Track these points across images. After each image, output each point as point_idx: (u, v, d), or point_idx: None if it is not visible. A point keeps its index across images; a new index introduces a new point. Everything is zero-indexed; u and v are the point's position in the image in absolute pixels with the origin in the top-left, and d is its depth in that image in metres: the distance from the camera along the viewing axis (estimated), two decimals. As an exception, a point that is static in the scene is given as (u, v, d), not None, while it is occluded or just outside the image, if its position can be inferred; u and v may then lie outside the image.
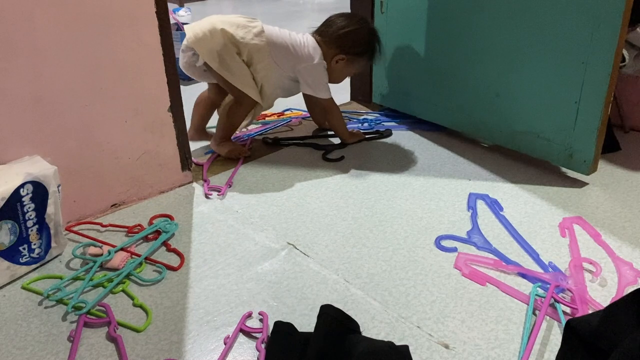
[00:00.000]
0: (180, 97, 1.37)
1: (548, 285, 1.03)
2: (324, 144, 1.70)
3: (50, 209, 1.10)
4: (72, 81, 1.17)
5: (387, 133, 1.76)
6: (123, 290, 1.05)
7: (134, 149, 1.32)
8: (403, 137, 1.75)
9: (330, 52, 1.58)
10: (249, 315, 0.98)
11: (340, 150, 1.66)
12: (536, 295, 1.01)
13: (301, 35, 1.62)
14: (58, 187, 1.12)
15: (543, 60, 1.40)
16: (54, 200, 1.11)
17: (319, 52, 1.57)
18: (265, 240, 1.21)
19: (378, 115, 1.92)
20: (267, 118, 1.97)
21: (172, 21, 2.14)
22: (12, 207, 1.03)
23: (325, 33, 1.59)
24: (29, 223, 1.07)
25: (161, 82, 1.31)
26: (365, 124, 1.83)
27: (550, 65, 1.39)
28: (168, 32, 1.28)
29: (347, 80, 2.05)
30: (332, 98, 1.65)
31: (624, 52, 1.49)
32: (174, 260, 1.15)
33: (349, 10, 1.96)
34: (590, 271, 1.09)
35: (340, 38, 1.57)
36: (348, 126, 1.82)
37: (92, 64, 1.19)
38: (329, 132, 1.79)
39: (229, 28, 1.50)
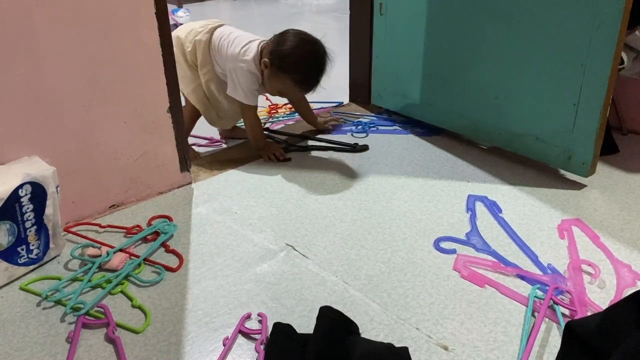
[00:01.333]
0: (180, 98, 1.37)
1: (547, 287, 1.04)
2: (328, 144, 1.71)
3: (48, 210, 1.10)
4: (72, 81, 1.17)
5: (362, 148, 1.67)
6: (122, 292, 1.05)
7: (132, 150, 1.32)
8: (401, 139, 1.75)
9: (266, 55, 1.51)
10: (248, 317, 0.98)
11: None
12: (535, 297, 1.01)
13: (255, 38, 1.57)
14: (57, 187, 1.12)
15: (542, 62, 1.41)
16: (52, 201, 1.10)
17: (251, 56, 1.51)
18: (264, 241, 1.21)
19: (374, 118, 1.91)
20: (278, 111, 2.02)
21: (170, 22, 2.15)
22: (10, 208, 1.03)
23: (273, 39, 1.53)
24: (28, 224, 1.07)
25: (160, 82, 1.31)
26: (360, 127, 1.82)
27: (549, 67, 1.39)
28: (167, 33, 1.28)
29: (346, 81, 2.07)
30: (249, 105, 1.56)
31: (623, 54, 1.49)
32: (172, 261, 1.14)
33: (347, 12, 1.96)
34: (589, 273, 1.09)
35: (275, 44, 1.50)
36: (342, 129, 1.81)
37: (92, 64, 1.19)
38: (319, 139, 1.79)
39: (182, 34, 1.62)
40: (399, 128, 1.82)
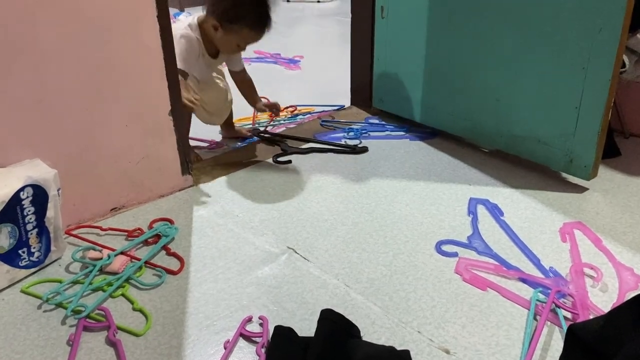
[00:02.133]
0: (181, 101, 1.37)
1: (549, 291, 1.03)
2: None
3: (50, 213, 1.10)
4: (73, 84, 1.17)
5: (362, 149, 1.68)
6: (122, 294, 1.05)
7: (134, 153, 1.32)
8: (403, 142, 1.75)
9: (209, 19, 1.53)
10: (249, 320, 0.98)
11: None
12: (537, 300, 1.01)
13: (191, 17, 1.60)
14: (58, 190, 1.12)
15: (543, 65, 1.41)
16: (54, 203, 1.10)
17: (185, 25, 1.54)
18: (265, 244, 1.21)
19: (365, 124, 1.89)
20: (280, 114, 2.01)
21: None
22: (12, 211, 1.03)
23: (209, 5, 1.55)
24: (29, 226, 1.07)
25: (162, 86, 1.31)
26: (351, 134, 1.81)
27: (551, 70, 1.39)
28: (169, 36, 1.28)
29: (347, 85, 2.07)
30: (182, 71, 1.50)
31: (624, 57, 1.49)
32: (173, 264, 1.14)
33: (349, 16, 1.97)
34: (591, 276, 1.09)
35: (213, 5, 1.52)
36: (332, 135, 1.80)
37: (93, 67, 1.19)
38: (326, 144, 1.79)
39: None
40: (391, 134, 1.82)
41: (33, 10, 1.07)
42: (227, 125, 1.85)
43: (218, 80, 1.73)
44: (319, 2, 4.29)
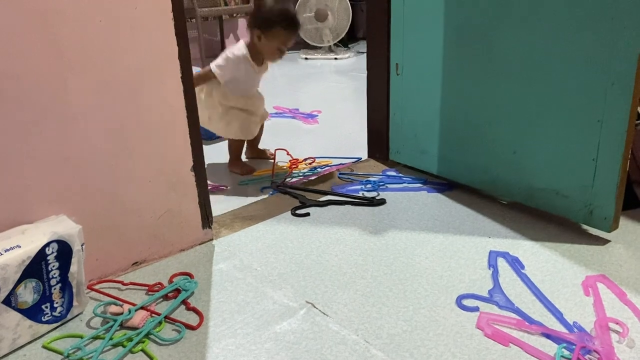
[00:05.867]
0: (203, 157, 1.41)
1: (573, 347, 1.01)
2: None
3: (73, 268, 1.12)
4: (100, 142, 1.22)
5: (380, 202, 1.70)
6: (142, 350, 1.05)
7: (156, 208, 1.35)
8: (421, 194, 1.76)
9: (254, 32, 1.85)
10: (268, 377, 0.97)
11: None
12: (561, 356, 0.99)
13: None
14: (82, 245, 1.14)
15: (559, 118, 1.42)
16: (77, 259, 1.13)
17: (236, 49, 1.88)
18: (284, 298, 1.21)
19: (383, 176, 1.91)
20: (299, 166, 2.05)
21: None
22: (37, 266, 1.05)
23: (248, 19, 1.92)
24: (53, 281, 1.09)
25: (185, 142, 1.35)
26: (369, 186, 1.83)
27: (567, 123, 1.41)
28: (192, 96, 1.33)
29: (364, 138, 2.10)
30: (211, 71, 1.85)
31: (639, 110, 1.50)
32: (193, 319, 1.14)
33: (364, 72, 2.02)
34: (616, 332, 1.06)
35: (253, 18, 1.87)
36: (350, 188, 1.82)
37: (119, 125, 1.24)
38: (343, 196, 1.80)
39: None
40: (408, 186, 1.83)
41: (65, 74, 1.13)
42: (252, 144, 2.14)
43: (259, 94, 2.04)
44: (336, 59, 4.42)
